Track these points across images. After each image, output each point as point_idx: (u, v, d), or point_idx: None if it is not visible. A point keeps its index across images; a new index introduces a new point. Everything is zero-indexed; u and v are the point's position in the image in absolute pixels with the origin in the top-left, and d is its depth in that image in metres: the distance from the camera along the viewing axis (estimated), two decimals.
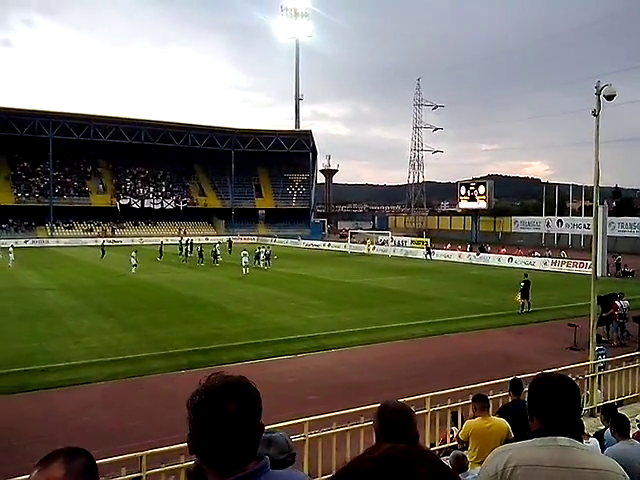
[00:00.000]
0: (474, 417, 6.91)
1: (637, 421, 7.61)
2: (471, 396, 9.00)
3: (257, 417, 1.62)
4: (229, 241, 58.73)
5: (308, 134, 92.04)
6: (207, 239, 65.46)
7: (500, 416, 6.75)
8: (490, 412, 7.32)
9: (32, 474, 1.85)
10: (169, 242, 53.50)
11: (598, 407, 11.25)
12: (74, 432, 10.71)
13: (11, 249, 43.72)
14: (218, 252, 45.59)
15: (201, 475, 3.82)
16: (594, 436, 6.93)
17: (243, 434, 1.58)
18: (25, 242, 65.55)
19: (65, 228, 75.87)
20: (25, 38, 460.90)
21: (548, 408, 2.28)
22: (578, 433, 2.34)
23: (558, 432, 2.22)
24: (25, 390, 14.01)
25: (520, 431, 5.17)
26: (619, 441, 5.93)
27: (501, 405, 9.12)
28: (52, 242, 69.14)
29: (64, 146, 76.17)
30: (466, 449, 6.68)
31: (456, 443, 8.92)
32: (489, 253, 51.68)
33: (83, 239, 71.05)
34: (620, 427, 6.09)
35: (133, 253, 38.66)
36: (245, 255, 38.48)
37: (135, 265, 37.62)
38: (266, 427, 2.55)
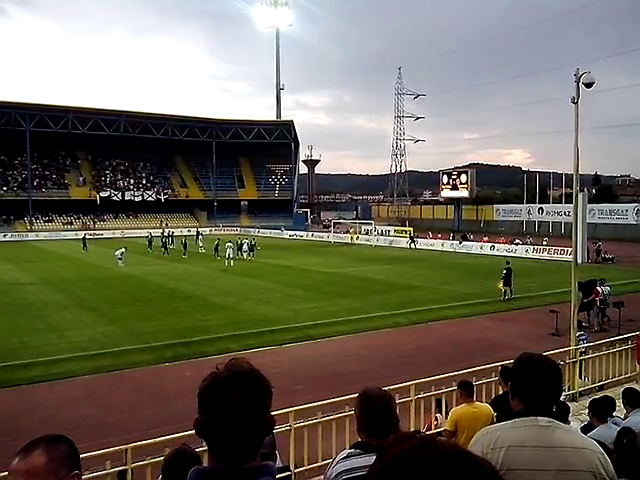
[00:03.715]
0: (460, 404, 6.96)
1: None
2: (454, 383, 9.08)
3: (262, 412, 1.58)
4: (197, 232, 57.65)
5: (290, 124, 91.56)
6: (189, 231, 65.02)
7: (492, 407, 6.80)
8: (474, 398, 7.38)
9: (13, 462, 1.80)
10: (157, 234, 52.80)
11: (579, 392, 11.44)
12: (59, 426, 10.60)
13: None
14: (219, 245, 43.69)
15: (174, 468, 3.82)
16: (585, 426, 6.91)
17: (244, 428, 1.54)
18: (4, 236, 64.71)
19: (44, 222, 74.81)
20: None
21: (529, 388, 2.31)
22: (560, 414, 2.37)
23: (539, 412, 2.26)
24: (8, 385, 13.86)
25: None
26: (597, 426, 5.80)
27: (485, 392, 9.23)
28: (31, 236, 68.27)
29: (42, 138, 74.88)
30: (454, 436, 6.72)
31: (441, 430, 9.01)
32: (471, 241, 52.03)
33: (63, 232, 70.21)
34: (597, 411, 5.98)
35: (123, 249, 38.30)
36: (230, 247, 38.34)
37: (121, 259, 37.32)
38: None
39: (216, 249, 43.35)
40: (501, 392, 7.80)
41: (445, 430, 6.84)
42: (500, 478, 1.04)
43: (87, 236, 54.71)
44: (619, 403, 7.10)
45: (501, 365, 7.96)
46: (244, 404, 1.53)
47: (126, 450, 6.83)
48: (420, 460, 0.97)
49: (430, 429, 9.04)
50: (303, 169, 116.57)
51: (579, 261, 15.85)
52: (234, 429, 1.53)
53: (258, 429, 1.58)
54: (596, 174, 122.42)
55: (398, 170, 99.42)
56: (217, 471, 1.56)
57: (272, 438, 2.58)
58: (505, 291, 24.80)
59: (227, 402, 1.53)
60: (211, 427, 1.55)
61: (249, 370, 1.62)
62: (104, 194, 78.88)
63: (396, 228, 65.93)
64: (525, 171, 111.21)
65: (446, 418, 9.29)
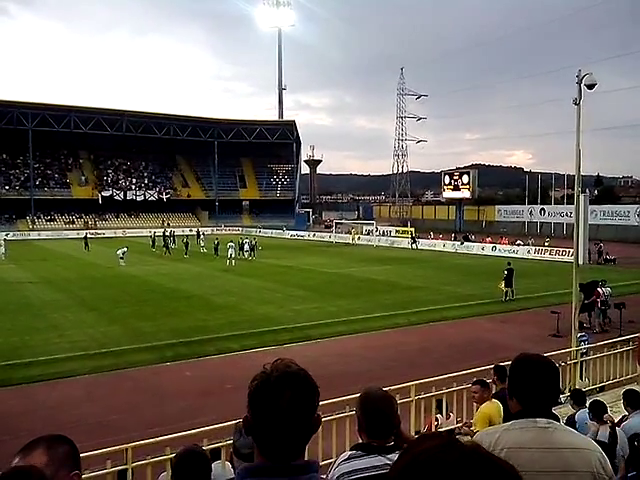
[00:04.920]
0: (480, 402, 6.83)
1: None
2: (455, 384, 9.08)
3: (311, 411, 1.61)
4: (197, 232, 57.75)
5: (292, 124, 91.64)
6: (191, 230, 65.11)
7: None
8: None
9: (14, 461, 1.80)
10: (159, 234, 52.67)
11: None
12: (59, 426, 10.60)
13: (2, 242, 43.02)
14: (219, 245, 44.07)
15: (185, 466, 3.82)
16: (566, 420, 6.98)
17: (294, 427, 1.57)
18: (6, 235, 64.55)
19: (46, 221, 74.92)
20: (1, 28, 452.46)
21: (528, 390, 2.30)
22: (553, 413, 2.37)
23: (537, 413, 2.25)
24: (9, 384, 13.87)
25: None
26: (633, 415, 6.39)
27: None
28: (34, 235, 68.39)
29: (44, 137, 75.01)
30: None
31: (442, 430, 8.99)
32: (473, 242, 51.98)
33: (65, 232, 70.27)
34: (632, 401, 6.46)
35: (124, 248, 38.33)
36: (231, 247, 38.35)
37: (122, 258, 37.33)
38: None
39: (216, 249, 43.31)
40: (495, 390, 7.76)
41: (471, 429, 6.69)
42: (521, 478, 1.03)
43: (89, 235, 54.73)
44: (619, 404, 7.11)
45: (496, 365, 7.90)
46: (295, 403, 1.56)
47: (126, 449, 6.83)
48: (442, 460, 0.97)
49: (430, 430, 9.03)
50: (305, 169, 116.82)
51: (580, 262, 15.82)
52: (285, 428, 1.56)
53: (307, 427, 1.61)
54: (598, 175, 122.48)
55: (400, 170, 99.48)
56: (266, 467, 1.60)
57: None
58: (506, 292, 24.76)
59: (278, 402, 1.55)
60: (262, 426, 1.57)
61: (298, 370, 1.64)
62: (106, 193, 78.95)
63: (397, 228, 65.91)
64: (527, 172, 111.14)
65: (447, 419, 9.30)
